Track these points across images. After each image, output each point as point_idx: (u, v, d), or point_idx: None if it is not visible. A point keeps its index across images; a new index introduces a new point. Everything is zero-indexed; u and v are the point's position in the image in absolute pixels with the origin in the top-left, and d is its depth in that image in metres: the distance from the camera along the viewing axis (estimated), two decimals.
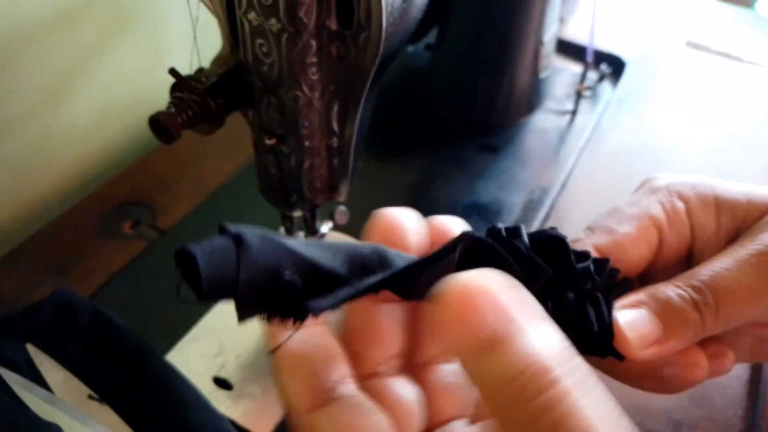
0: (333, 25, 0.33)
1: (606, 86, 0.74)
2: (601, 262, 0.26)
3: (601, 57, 0.75)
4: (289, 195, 0.41)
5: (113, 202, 0.57)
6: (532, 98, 0.69)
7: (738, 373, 0.46)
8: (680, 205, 0.29)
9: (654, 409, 0.43)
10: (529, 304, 0.19)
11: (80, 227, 0.54)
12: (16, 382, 0.40)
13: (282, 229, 0.46)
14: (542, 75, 0.68)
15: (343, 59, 0.35)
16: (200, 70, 0.37)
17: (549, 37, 0.66)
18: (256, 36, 0.34)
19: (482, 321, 0.18)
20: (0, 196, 0.56)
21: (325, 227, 0.45)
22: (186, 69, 0.37)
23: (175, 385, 0.41)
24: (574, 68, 0.77)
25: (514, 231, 0.24)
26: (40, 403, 0.38)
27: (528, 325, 0.18)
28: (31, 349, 0.43)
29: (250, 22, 0.33)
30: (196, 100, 0.36)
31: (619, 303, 0.26)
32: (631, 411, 0.43)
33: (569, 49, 0.78)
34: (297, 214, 0.44)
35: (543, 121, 0.69)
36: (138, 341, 0.43)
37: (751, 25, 0.89)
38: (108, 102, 0.62)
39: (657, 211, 0.29)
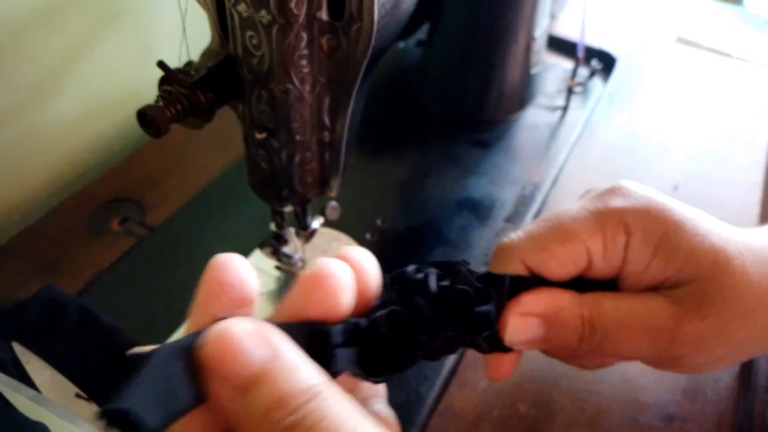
0: (324, 16, 0.32)
1: (597, 82, 0.74)
2: (518, 283, 0.30)
3: (591, 53, 0.75)
4: (280, 190, 0.40)
5: (101, 198, 0.56)
6: (524, 94, 0.69)
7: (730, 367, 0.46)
8: (621, 239, 0.30)
9: (646, 403, 0.43)
10: (278, 342, 0.21)
11: (68, 224, 0.54)
12: (1, 381, 0.39)
13: (273, 225, 0.45)
14: (533, 71, 0.68)
15: (334, 52, 0.34)
16: (189, 64, 0.37)
17: (540, 33, 0.66)
18: (246, 28, 0.33)
19: (236, 366, 0.20)
20: None
21: (316, 223, 0.45)
22: (175, 63, 0.36)
23: None
24: (565, 64, 0.77)
25: (421, 283, 0.28)
26: (26, 402, 0.38)
27: (278, 364, 0.20)
28: (18, 348, 0.43)
29: (239, 13, 0.33)
30: (184, 94, 0.35)
31: (523, 303, 0.29)
32: (624, 405, 0.43)
33: (560, 46, 0.78)
34: (288, 209, 0.44)
35: (534, 117, 0.69)
36: (126, 339, 0.42)
37: (741, 21, 0.89)
38: (96, 97, 0.62)
39: (596, 243, 0.30)
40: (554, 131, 0.67)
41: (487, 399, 0.43)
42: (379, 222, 0.55)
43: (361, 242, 0.52)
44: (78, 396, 0.42)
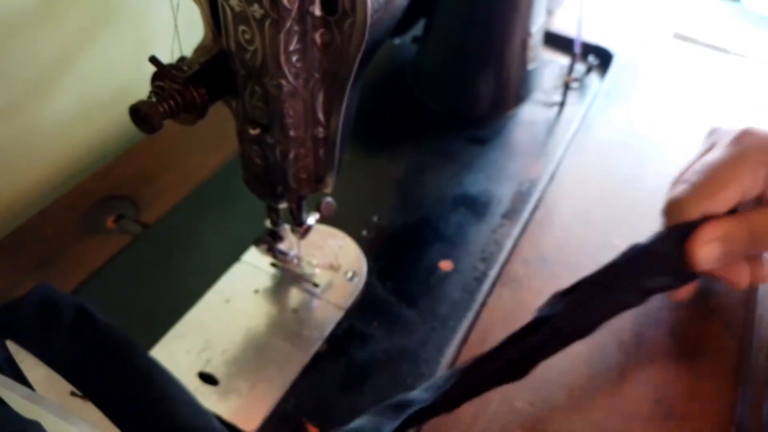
0: (317, 11, 0.32)
1: (593, 78, 0.74)
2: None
3: (588, 49, 0.75)
4: (275, 186, 0.40)
5: (96, 196, 0.56)
6: (520, 90, 0.69)
7: (729, 364, 0.46)
8: (762, 171, 0.40)
9: (644, 399, 0.43)
10: None
11: (62, 222, 0.53)
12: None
13: (268, 222, 0.45)
14: (530, 67, 0.68)
15: (327, 47, 0.34)
16: (182, 59, 0.37)
17: (536, 29, 0.66)
18: (239, 23, 0.33)
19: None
20: None
21: (311, 219, 0.45)
22: (168, 59, 0.36)
23: (160, 381, 0.41)
24: (562, 60, 0.76)
25: None
26: (20, 400, 0.38)
27: None
28: (12, 346, 0.42)
29: (232, 8, 0.33)
30: (177, 90, 0.35)
31: (705, 233, 0.40)
32: (621, 400, 0.43)
33: (557, 42, 0.78)
34: (283, 206, 0.43)
35: (531, 113, 0.69)
36: (122, 337, 0.42)
37: (738, 17, 0.89)
38: (91, 95, 0.61)
39: (746, 181, 0.41)
40: (551, 127, 0.67)
41: (484, 395, 0.43)
42: (375, 218, 0.55)
43: (358, 239, 0.52)
44: (73, 394, 0.42)
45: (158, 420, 0.39)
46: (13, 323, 0.42)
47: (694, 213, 0.41)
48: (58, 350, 0.42)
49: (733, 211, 0.41)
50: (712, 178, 0.41)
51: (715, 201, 0.40)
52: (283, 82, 0.34)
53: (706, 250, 0.40)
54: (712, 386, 0.45)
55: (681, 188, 0.42)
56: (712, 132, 0.46)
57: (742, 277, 0.43)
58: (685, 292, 0.45)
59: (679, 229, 0.41)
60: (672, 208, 0.42)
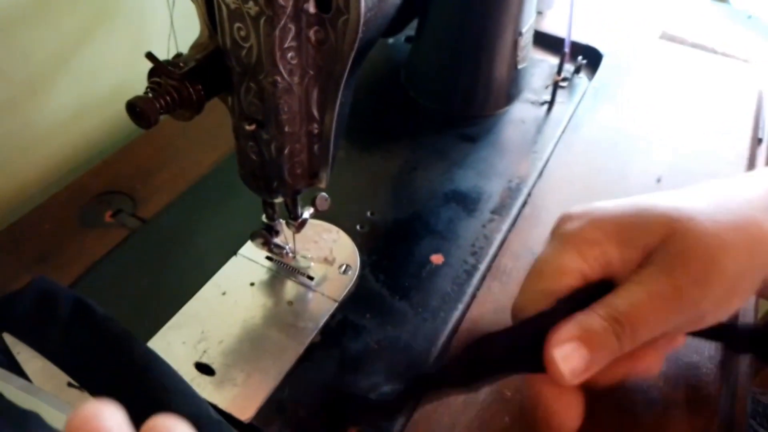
0: (311, 8, 0.33)
1: (582, 78, 0.75)
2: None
3: (577, 49, 0.76)
4: (270, 182, 0.41)
5: (93, 191, 0.57)
6: (511, 89, 0.70)
7: (712, 354, 0.47)
8: (595, 251, 0.35)
9: (630, 389, 0.44)
10: None
11: (60, 217, 0.54)
12: None
13: (263, 216, 0.46)
14: (520, 66, 0.69)
15: (322, 44, 0.35)
16: (178, 56, 0.38)
17: (526, 28, 0.67)
18: (234, 20, 0.34)
19: None
20: None
21: (306, 213, 0.46)
22: (165, 57, 0.37)
23: (158, 372, 0.41)
24: (552, 60, 0.78)
25: None
26: (16, 392, 0.38)
27: None
28: (8, 338, 0.43)
29: (227, 5, 0.33)
30: (173, 86, 0.36)
31: (555, 337, 0.33)
32: (607, 390, 0.44)
33: (546, 42, 0.79)
34: (278, 200, 0.44)
35: (521, 112, 0.70)
36: (119, 329, 0.43)
37: (726, 17, 0.90)
38: (88, 92, 0.62)
39: (577, 266, 0.35)
40: (540, 126, 0.68)
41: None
42: (368, 214, 0.56)
43: (351, 233, 0.53)
44: (70, 385, 0.42)
45: (155, 410, 0.39)
46: (10, 316, 0.43)
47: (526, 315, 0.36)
48: (55, 342, 0.43)
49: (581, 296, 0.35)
50: (536, 276, 0.36)
51: (546, 300, 0.35)
52: (278, 78, 0.35)
53: (565, 354, 0.33)
54: (696, 376, 0.46)
55: (516, 298, 0.37)
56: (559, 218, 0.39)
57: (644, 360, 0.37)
58: (656, 366, 0.38)
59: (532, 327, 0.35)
60: (513, 318, 0.37)
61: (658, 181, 0.62)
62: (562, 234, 0.37)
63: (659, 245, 0.34)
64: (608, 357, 0.33)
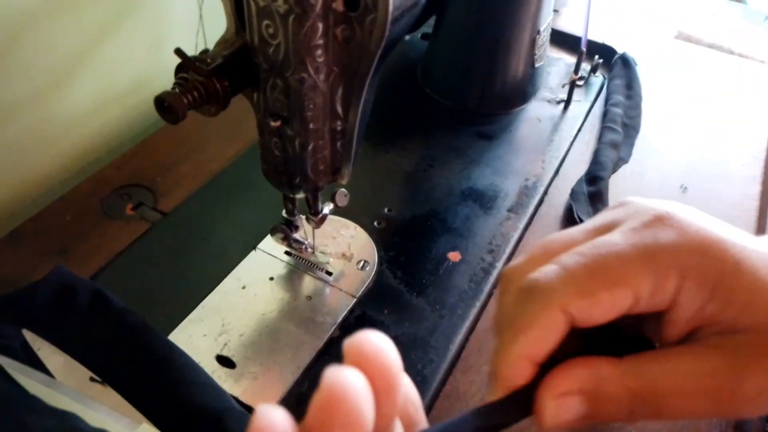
0: (339, 7, 0.33)
1: (599, 76, 0.75)
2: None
3: (594, 48, 0.76)
4: (293, 177, 0.41)
5: (114, 184, 0.57)
6: (527, 87, 0.70)
7: None
8: (673, 282, 0.26)
9: None
10: None
11: (81, 209, 0.55)
12: (16, 368, 0.40)
13: (284, 211, 0.47)
14: (537, 65, 0.69)
15: (348, 42, 0.35)
16: (205, 52, 0.38)
17: (545, 26, 0.67)
18: (263, 17, 0.34)
19: None
20: (1, 176, 0.56)
21: (326, 209, 0.46)
22: (190, 51, 0.37)
23: (178, 364, 0.42)
24: (568, 59, 0.78)
25: None
26: (39, 387, 0.38)
27: None
28: (28, 335, 0.43)
29: (256, 3, 0.34)
30: (201, 81, 0.36)
31: (556, 383, 0.25)
32: None
33: (563, 40, 0.79)
34: (299, 196, 0.45)
35: (537, 110, 0.70)
36: (139, 321, 0.43)
37: (742, 17, 0.90)
38: (109, 86, 0.63)
39: (646, 287, 0.26)
40: (557, 124, 0.68)
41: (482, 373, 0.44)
42: (386, 210, 0.56)
43: (369, 229, 0.53)
44: (92, 380, 0.43)
45: (179, 402, 0.40)
46: (29, 308, 0.43)
47: (555, 308, 0.26)
48: (74, 334, 0.43)
49: (607, 330, 0.27)
50: (599, 269, 0.26)
51: (595, 303, 0.26)
52: (305, 75, 0.36)
53: (558, 407, 0.25)
54: None
55: (550, 269, 0.27)
56: (621, 204, 0.30)
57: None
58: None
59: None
60: (531, 293, 0.27)
61: (684, 189, 0.61)
62: (659, 241, 0.27)
63: (750, 323, 0.26)
64: (602, 419, 0.27)
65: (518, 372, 0.26)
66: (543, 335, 0.26)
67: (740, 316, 0.25)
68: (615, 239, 0.27)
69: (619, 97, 0.71)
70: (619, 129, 0.66)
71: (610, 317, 0.26)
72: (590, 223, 0.30)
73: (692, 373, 0.25)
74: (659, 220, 0.27)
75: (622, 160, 0.63)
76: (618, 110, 0.68)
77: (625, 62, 0.75)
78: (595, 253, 0.26)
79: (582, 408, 0.25)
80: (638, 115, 0.69)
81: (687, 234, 0.26)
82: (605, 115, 0.69)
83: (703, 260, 0.26)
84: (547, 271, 0.27)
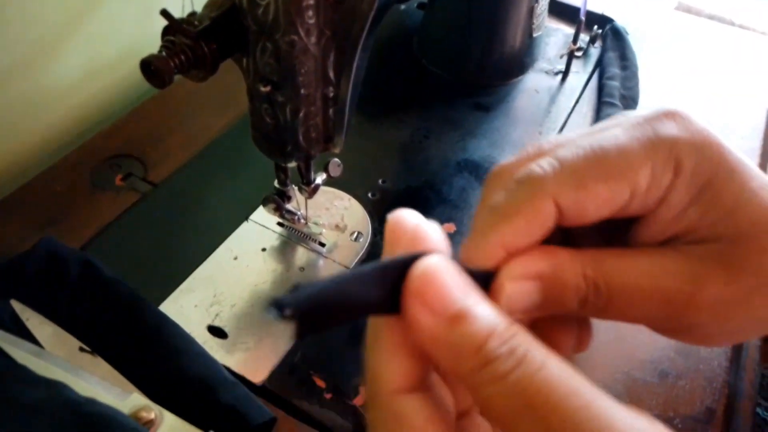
0: None
1: (598, 47, 0.74)
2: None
3: (593, 18, 0.75)
4: (284, 145, 0.41)
5: (104, 154, 0.56)
6: (525, 58, 0.69)
7: None
8: (668, 177, 0.25)
9: (641, 359, 0.44)
10: (472, 286, 0.21)
11: (71, 179, 0.54)
12: (4, 339, 0.39)
13: (276, 181, 0.46)
14: (535, 35, 0.68)
15: (340, 2, 0.34)
16: (193, 14, 0.37)
17: None
18: None
19: (442, 302, 0.20)
20: None
21: (319, 179, 0.45)
22: (178, 14, 0.36)
23: (169, 334, 0.41)
24: (566, 29, 0.76)
25: None
26: (29, 357, 0.38)
27: (476, 301, 0.20)
28: (17, 305, 0.43)
29: None
30: (188, 44, 0.35)
31: (515, 268, 0.24)
32: (619, 360, 0.44)
33: (561, 10, 0.78)
34: (291, 165, 0.44)
35: (534, 81, 0.69)
36: (130, 291, 0.43)
37: None
38: (99, 54, 0.61)
39: (643, 179, 0.24)
40: (554, 95, 0.67)
41: None
42: (380, 182, 0.55)
43: (363, 201, 0.53)
44: (82, 350, 0.42)
45: (170, 372, 0.40)
46: (19, 278, 0.43)
47: (545, 198, 0.24)
48: (64, 304, 0.43)
49: (595, 232, 0.26)
50: (598, 161, 0.25)
51: (590, 195, 0.24)
52: (295, 38, 0.35)
53: (515, 291, 0.24)
54: (708, 347, 0.46)
55: (545, 161, 0.25)
56: (622, 114, 0.28)
57: (562, 342, 0.27)
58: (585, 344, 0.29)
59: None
60: (522, 183, 0.25)
61: None
62: (661, 133, 0.25)
63: (725, 231, 0.25)
64: (553, 311, 0.25)
65: (489, 258, 0.24)
66: (527, 225, 0.24)
67: (719, 222, 0.25)
68: (616, 132, 0.25)
69: (614, 70, 0.69)
70: (618, 102, 0.65)
71: (603, 213, 0.25)
72: (588, 128, 0.27)
73: (652, 271, 0.25)
74: (664, 115, 0.26)
75: None
76: (615, 83, 0.67)
77: (616, 33, 0.74)
78: (595, 145, 0.25)
79: (537, 295, 0.24)
80: (636, 85, 0.68)
81: (689, 130, 0.25)
82: (602, 89, 0.67)
83: (700, 158, 0.25)
84: (542, 162, 0.25)
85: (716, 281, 0.24)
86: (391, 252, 0.22)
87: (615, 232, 0.27)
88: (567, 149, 0.25)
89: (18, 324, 0.42)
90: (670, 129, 0.25)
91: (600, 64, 0.71)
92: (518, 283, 0.24)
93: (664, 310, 0.25)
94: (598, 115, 0.64)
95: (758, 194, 0.25)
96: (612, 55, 0.71)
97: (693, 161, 0.25)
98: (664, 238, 0.26)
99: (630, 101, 0.66)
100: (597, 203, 0.24)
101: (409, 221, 0.22)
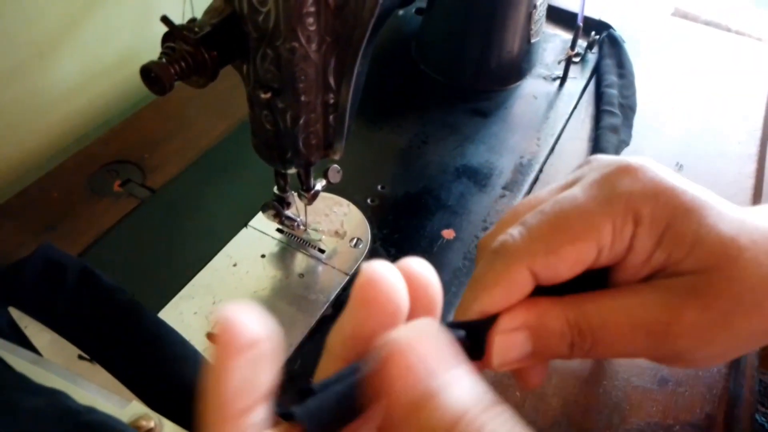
0: None
1: (595, 53, 0.74)
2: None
3: (590, 24, 0.75)
4: (284, 152, 0.40)
5: (102, 160, 0.56)
6: (523, 64, 0.69)
7: None
8: (629, 229, 0.27)
9: (641, 366, 0.44)
10: (450, 356, 0.20)
11: (69, 185, 0.54)
12: (2, 347, 0.39)
13: (275, 187, 0.46)
14: (533, 40, 0.68)
15: (341, 9, 0.34)
16: (193, 21, 0.37)
17: (541, 1, 0.66)
18: None
19: (414, 379, 0.19)
20: None
21: (318, 185, 0.45)
22: (178, 20, 0.36)
23: (169, 341, 0.41)
24: (564, 35, 0.77)
25: None
26: (27, 365, 0.38)
27: (454, 378, 0.20)
28: (15, 313, 0.42)
29: None
30: (188, 51, 0.35)
31: (505, 322, 0.26)
32: (619, 367, 0.44)
33: (559, 16, 0.78)
34: (291, 171, 0.44)
35: (533, 87, 0.69)
36: (128, 299, 0.42)
37: None
38: (96, 58, 0.61)
39: (606, 235, 0.27)
40: (552, 101, 0.67)
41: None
42: (379, 187, 0.55)
43: (362, 207, 0.53)
44: (81, 358, 0.42)
45: (169, 379, 0.40)
46: (16, 286, 0.43)
47: (520, 267, 0.27)
48: (63, 312, 0.42)
49: (572, 285, 0.28)
50: (562, 225, 0.27)
51: (560, 259, 0.26)
52: (296, 45, 0.35)
53: (505, 343, 0.26)
54: None
55: (515, 230, 0.28)
56: (587, 162, 0.31)
57: (532, 377, 0.30)
58: (538, 378, 0.30)
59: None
60: (497, 254, 0.28)
61: (680, 167, 0.61)
62: (618, 190, 0.27)
63: (694, 266, 0.26)
64: (545, 359, 0.28)
65: None
66: (506, 293, 0.27)
67: (685, 259, 0.26)
68: (575, 193, 0.28)
69: (612, 78, 0.69)
70: (617, 111, 0.65)
71: (575, 271, 0.27)
72: (557, 183, 0.31)
73: (628, 307, 0.27)
74: (619, 171, 0.28)
75: (623, 143, 0.62)
76: (613, 91, 0.67)
77: (613, 41, 0.74)
78: (557, 209, 0.27)
79: (527, 344, 0.27)
80: (633, 94, 0.68)
81: (642, 181, 0.27)
82: (601, 97, 0.67)
83: (656, 205, 0.27)
84: (513, 231, 0.28)
85: (692, 309, 0.26)
86: (359, 310, 0.21)
87: (597, 280, 0.28)
88: (533, 216, 0.28)
89: (17, 331, 0.42)
90: (625, 184, 0.27)
91: (597, 71, 0.71)
92: (507, 336, 0.26)
93: (647, 342, 0.27)
94: (598, 124, 0.64)
95: (715, 228, 0.26)
96: (609, 63, 0.71)
97: (650, 210, 0.27)
98: (639, 279, 0.28)
99: (628, 110, 0.66)
100: (567, 264, 0.27)
101: (384, 287, 0.21)
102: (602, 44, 0.74)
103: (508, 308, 0.27)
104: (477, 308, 0.27)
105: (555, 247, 0.27)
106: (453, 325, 0.26)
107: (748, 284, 0.26)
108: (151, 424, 0.36)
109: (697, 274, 0.26)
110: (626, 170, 0.28)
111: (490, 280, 0.27)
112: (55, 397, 0.35)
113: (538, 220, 0.28)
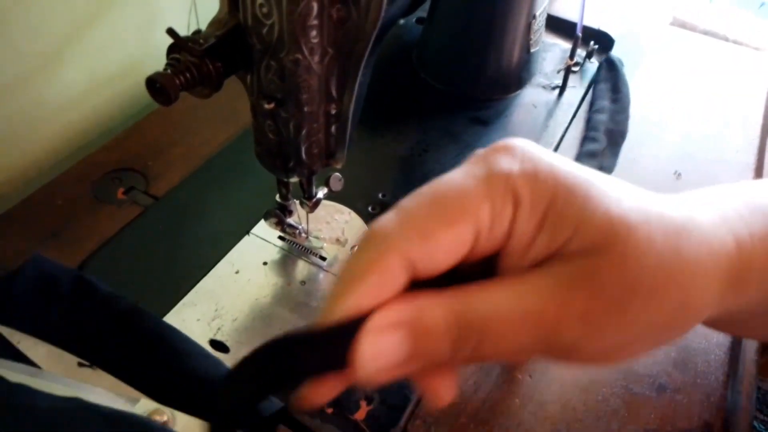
0: None
1: (594, 63, 0.74)
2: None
3: (589, 34, 0.76)
4: (287, 160, 0.41)
5: (105, 168, 0.56)
6: (523, 73, 0.70)
7: (720, 340, 0.48)
8: (509, 211, 0.24)
9: (639, 373, 0.45)
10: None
11: (72, 193, 0.54)
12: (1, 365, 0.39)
13: (277, 196, 0.46)
14: (533, 50, 0.69)
15: (344, 22, 0.35)
16: (197, 32, 0.37)
17: (541, 11, 0.66)
18: None
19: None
20: None
21: (320, 193, 0.46)
22: (183, 32, 0.36)
23: (173, 338, 0.41)
24: (563, 44, 0.77)
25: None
26: (28, 379, 0.38)
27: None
28: (5, 330, 0.42)
29: None
30: (193, 62, 0.36)
31: (375, 319, 0.23)
32: (617, 374, 0.45)
33: (558, 25, 0.79)
34: (293, 180, 0.44)
35: (532, 96, 0.70)
36: (127, 305, 0.42)
37: (737, 4, 0.90)
38: (100, 68, 0.62)
39: (484, 217, 0.24)
40: (551, 110, 0.68)
41: (485, 366, 0.44)
42: (380, 195, 0.56)
43: (363, 215, 0.53)
44: (81, 365, 0.42)
45: (177, 375, 0.40)
46: (5, 302, 0.42)
47: (392, 254, 0.23)
48: (57, 323, 0.42)
49: (454, 280, 0.24)
50: (437, 207, 0.24)
51: (437, 245, 0.24)
52: (300, 57, 0.35)
53: (376, 346, 0.23)
54: (705, 361, 0.46)
55: (390, 215, 0.25)
56: (473, 154, 0.28)
57: (441, 389, 0.26)
58: (447, 391, 0.26)
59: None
60: (368, 242, 0.24)
61: (678, 176, 0.61)
62: (494, 167, 0.25)
63: (579, 248, 0.24)
64: (426, 364, 0.24)
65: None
66: (378, 285, 0.23)
67: (570, 242, 0.24)
68: (453, 175, 0.25)
69: (604, 103, 0.69)
70: (600, 137, 0.64)
71: (454, 259, 0.24)
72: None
73: (515, 295, 0.24)
74: (497, 150, 0.26)
75: (604, 169, 0.61)
76: (601, 117, 0.67)
77: (611, 65, 0.74)
78: (433, 191, 0.25)
79: (403, 346, 0.23)
80: (626, 119, 0.67)
81: (522, 162, 0.25)
82: (588, 122, 0.67)
83: (534, 186, 0.24)
84: (388, 216, 0.24)
85: (579, 296, 0.23)
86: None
87: (482, 274, 0.26)
88: (410, 199, 0.25)
89: (9, 348, 0.41)
90: (503, 163, 0.25)
91: (592, 95, 0.71)
92: (378, 336, 0.23)
93: (535, 334, 0.24)
94: (581, 150, 0.63)
95: (601, 206, 0.24)
96: (603, 88, 0.71)
97: (529, 191, 0.24)
98: (527, 266, 0.25)
99: (617, 135, 0.65)
100: (445, 250, 0.24)
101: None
102: (600, 68, 0.74)
103: (380, 305, 0.23)
104: (345, 305, 0.23)
105: (430, 231, 0.23)
106: (312, 333, 0.23)
107: (641, 266, 0.23)
108: (165, 418, 0.36)
109: (585, 257, 0.24)
110: (504, 149, 0.26)
111: (360, 271, 0.23)
112: (70, 399, 0.36)
113: (415, 203, 0.24)
